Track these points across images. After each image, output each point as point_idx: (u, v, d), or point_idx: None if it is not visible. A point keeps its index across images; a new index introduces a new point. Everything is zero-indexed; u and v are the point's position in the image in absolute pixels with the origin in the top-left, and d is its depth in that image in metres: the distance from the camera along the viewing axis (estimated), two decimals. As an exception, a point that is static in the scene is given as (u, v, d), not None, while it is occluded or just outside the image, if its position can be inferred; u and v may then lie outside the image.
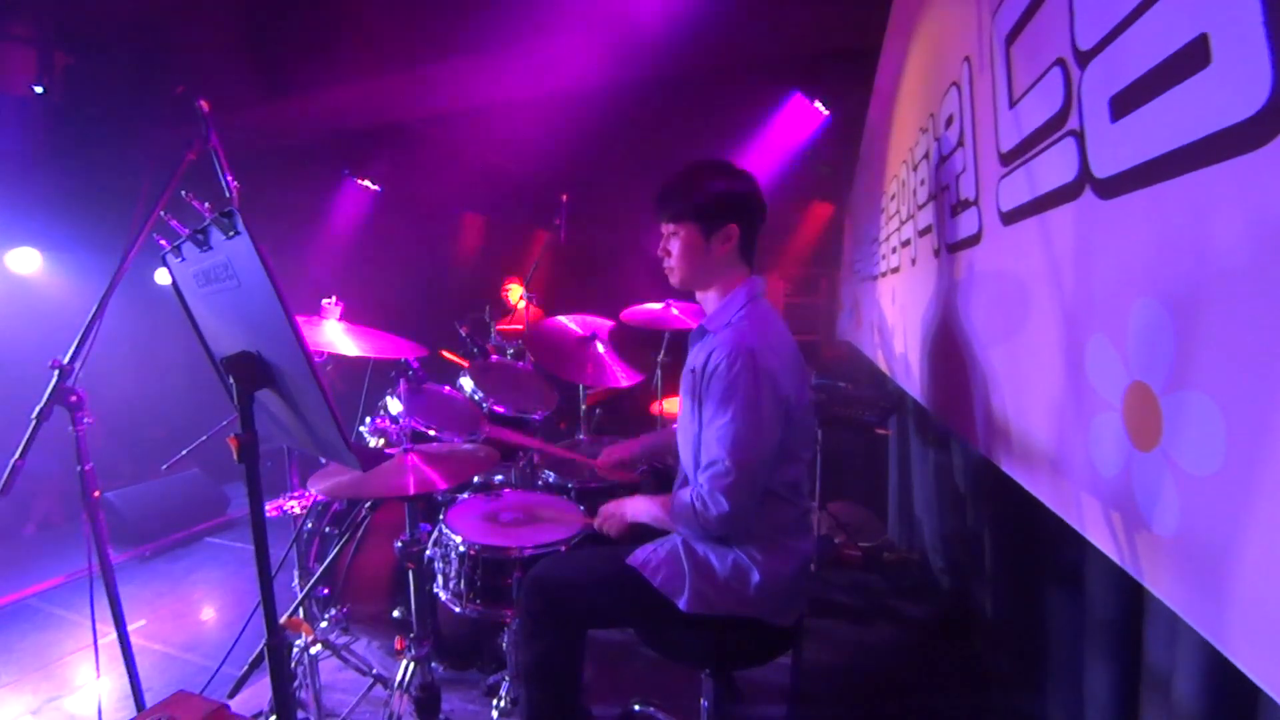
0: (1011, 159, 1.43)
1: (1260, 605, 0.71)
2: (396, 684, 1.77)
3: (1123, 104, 0.95)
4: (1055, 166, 1.20)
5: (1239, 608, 0.74)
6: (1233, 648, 0.74)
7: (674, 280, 1.58)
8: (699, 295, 1.60)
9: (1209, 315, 0.82)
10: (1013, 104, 1.40)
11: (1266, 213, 0.71)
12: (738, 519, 1.39)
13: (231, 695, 1.90)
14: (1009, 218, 1.48)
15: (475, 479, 2.37)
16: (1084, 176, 1.10)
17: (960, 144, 1.84)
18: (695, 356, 1.51)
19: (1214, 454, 0.79)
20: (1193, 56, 0.78)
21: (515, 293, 4.66)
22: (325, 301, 2.06)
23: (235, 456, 1.03)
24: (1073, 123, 1.11)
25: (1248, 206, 0.73)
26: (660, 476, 2.24)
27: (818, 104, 4.74)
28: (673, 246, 1.54)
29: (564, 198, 3.01)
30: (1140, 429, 0.95)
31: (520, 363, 2.77)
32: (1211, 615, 0.79)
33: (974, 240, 1.76)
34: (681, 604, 1.42)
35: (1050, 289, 1.28)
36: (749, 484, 1.37)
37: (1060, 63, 1.14)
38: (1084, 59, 1.05)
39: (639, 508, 1.58)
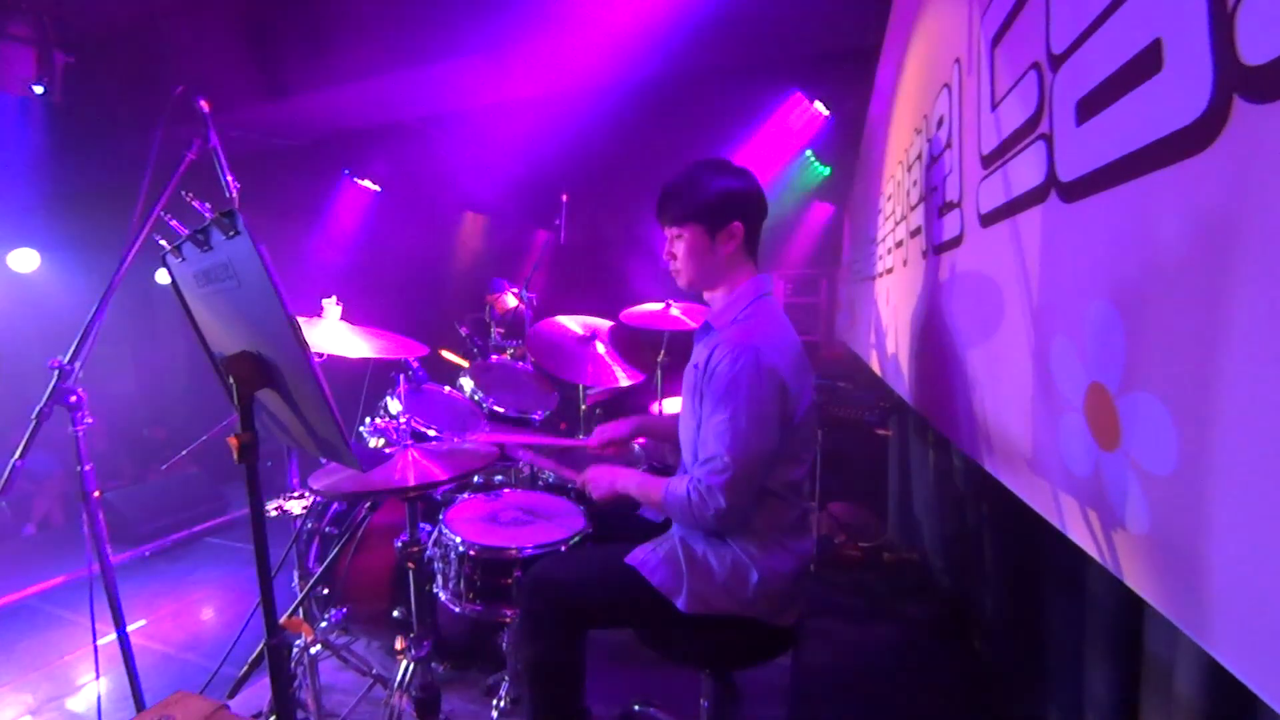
0: (991, 161, 1.42)
1: (1235, 602, 0.71)
2: (396, 684, 1.77)
3: (1087, 108, 0.95)
4: (1027, 169, 1.20)
5: (1215, 604, 0.74)
6: (1220, 648, 0.74)
7: (681, 283, 1.57)
8: (706, 295, 1.60)
9: (1154, 317, 0.83)
10: (994, 106, 1.40)
11: (1206, 215, 0.72)
12: (733, 516, 1.38)
13: (231, 695, 1.90)
14: (986, 220, 1.47)
15: (475, 479, 2.37)
16: (1050, 180, 1.10)
17: (949, 145, 1.83)
18: (699, 353, 1.51)
19: (1168, 455, 0.79)
20: (1148, 60, 0.79)
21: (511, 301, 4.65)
22: (325, 301, 2.06)
23: (235, 456, 1.03)
24: (1044, 126, 1.11)
25: (1190, 209, 0.75)
26: (660, 475, 2.23)
27: (818, 104, 4.73)
28: (678, 249, 1.53)
29: (564, 198, 3.02)
30: (1101, 430, 0.95)
31: (520, 363, 2.77)
32: (1193, 612, 0.79)
33: (956, 242, 1.75)
34: (679, 604, 1.42)
35: (1020, 290, 1.29)
36: (747, 481, 1.37)
37: (1036, 66, 1.14)
38: (1056, 63, 1.05)
39: (629, 479, 1.57)
